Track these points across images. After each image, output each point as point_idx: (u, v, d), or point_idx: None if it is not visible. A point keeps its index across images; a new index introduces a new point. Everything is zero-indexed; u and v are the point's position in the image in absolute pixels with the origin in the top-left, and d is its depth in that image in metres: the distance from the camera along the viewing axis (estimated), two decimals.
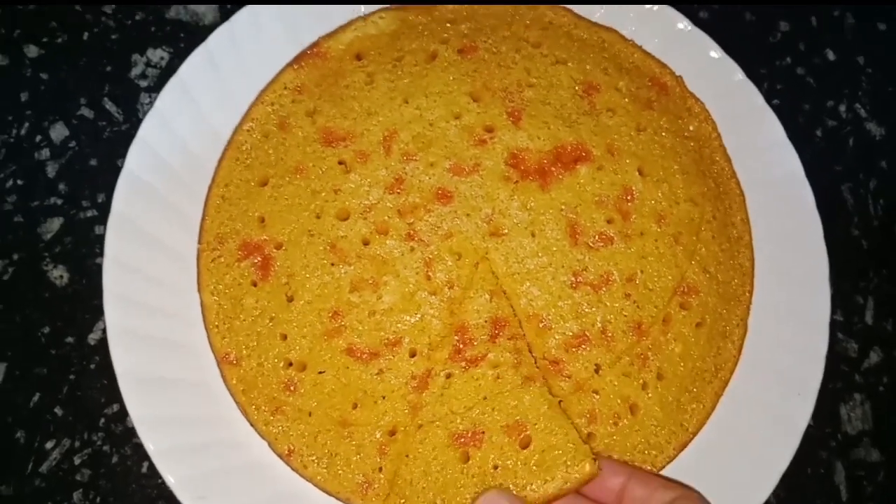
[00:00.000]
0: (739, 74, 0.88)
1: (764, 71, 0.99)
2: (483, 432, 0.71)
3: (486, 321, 0.76)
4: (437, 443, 0.72)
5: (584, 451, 0.69)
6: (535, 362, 0.76)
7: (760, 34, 1.02)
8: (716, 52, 0.88)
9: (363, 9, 0.87)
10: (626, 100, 0.84)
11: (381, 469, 0.74)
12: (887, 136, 1.00)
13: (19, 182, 0.88)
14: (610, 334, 0.78)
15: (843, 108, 1.01)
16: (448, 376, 0.74)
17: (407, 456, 0.73)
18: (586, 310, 0.78)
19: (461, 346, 0.75)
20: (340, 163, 0.80)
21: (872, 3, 1.04)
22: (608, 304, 0.78)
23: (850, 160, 0.98)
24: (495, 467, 0.70)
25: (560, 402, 0.77)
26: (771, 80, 0.98)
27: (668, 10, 0.88)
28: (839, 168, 0.98)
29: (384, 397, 0.75)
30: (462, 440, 0.72)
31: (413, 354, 0.76)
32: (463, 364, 0.74)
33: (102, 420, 0.83)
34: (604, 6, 0.89)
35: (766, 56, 1.00)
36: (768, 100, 0.87)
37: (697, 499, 0.65)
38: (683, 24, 0.88)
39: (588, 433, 0.77)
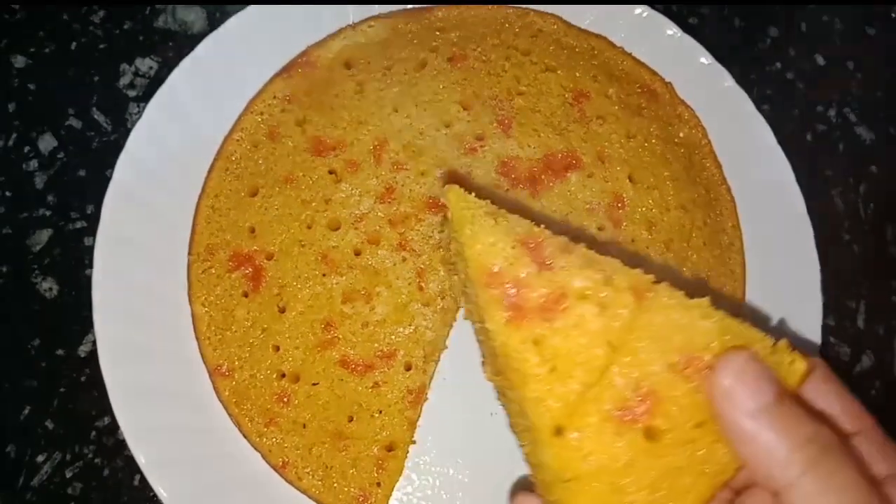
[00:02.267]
0: (729, 80, 0.88)
1: (753, 76, 0.99)
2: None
3: None
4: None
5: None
6: None
7: (749, 40, 1.02)
8: (705, 59, 0.88)
9: (352, 17, 0.86)
10: (616, 107, 0.84)
11: (378, 484, 0.74)
12: (877, 141, 1.00)
13: (7, 193, 0.87)
14: None
15: (832, 112, 1.01)
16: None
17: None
18: None
19: None
20: (331, 172, 0.80)
21: (860, 3, 1.05)
22: None
23: (841, 165, 0.99)
24: None
25: None
26: (760, 86, 0.98)
27: (657, 17, 0.88)
28: (829, 173, 0.98)
29: (381, 411, 0.75)
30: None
31: (408, 368, 0.76)
32: None
33: (93, 433, 0.82)
34: (593, 12, 0.89)
35: (755, 62, 1.00)
36: (758, 105, 0.88)
37: None
38: (673, 30, 0.88)
39: None
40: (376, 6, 0.87)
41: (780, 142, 0.86)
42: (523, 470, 0.79)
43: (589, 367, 0.50)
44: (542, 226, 0.56)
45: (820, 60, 1.03)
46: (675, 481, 0.50)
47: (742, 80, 0.88)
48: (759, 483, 0.49)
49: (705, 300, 0.52)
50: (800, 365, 0.50)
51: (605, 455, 0.50)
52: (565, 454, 0.50)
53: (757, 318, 0.82)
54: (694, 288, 0.56)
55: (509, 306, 0.51)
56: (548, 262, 0.52)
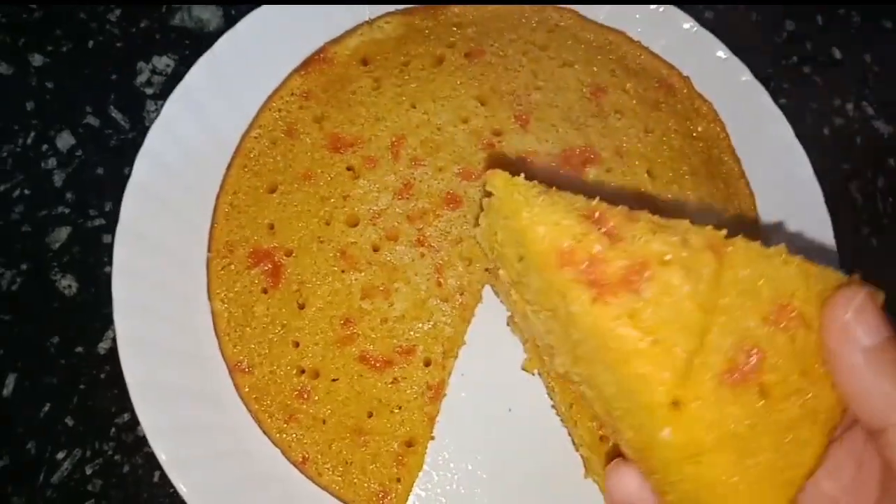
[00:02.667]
0: (746, 75, 0.88)
1: (770, 71, 0.98)
2: None
3: None
4: None
5: None
6: None
7: (766, 34, 1.01)
8: (723, 53, 0.88)
9: (368, 14, 0.86)
10: (634, 101, 0.84)
11: (399, 479, 0.74)
12: (895, 134, 0.99)
13: (26, 192, 0.88)
14: None
15: (850, 106, 1.00)
16: None
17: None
18: None
19: None
20: (349, 169, 0.80)
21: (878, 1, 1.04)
22: None
23: (858, 159, 0.98)
24: None
25: (571, 405, 0.78)
26: (777, 80, 0.98)
27: (673, 11, 0.88)
28: (847, 167, 0.98)
29: (400, 407, 0.75)
30: None
31: (427, 363, 0.76)
32: None
33: (113, 430, 0.82)
34: (608, 7, 0.89)
35: (772, 56, 1.00)
36: (775, 99, 0.87)
37: None
38: (689, 24, 0.88)
39: (601, 435, 0.77)
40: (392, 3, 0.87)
41: (798, 135, 0.86)
42: (542, 466, 0.80)
43: (689, 333, 0.47)
44: (598, 198, 0.52)
45: (837, 54, 1.03)
46: (795, 435, 0.49)
47: (759, 74, 0.88)
48: (863, 421, 0.48)
49: (782, 246, 0.51)
50: (879, 296, 0.49)
51: (727, 421, 0.48)
52: (688, 426, 0.47)
53: None
54: None
55: (590, 284, 0.48)
56: (617, 233, 0.49)
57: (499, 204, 0.55)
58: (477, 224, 0.65)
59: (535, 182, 0.54)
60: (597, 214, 0.50)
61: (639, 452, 0.54)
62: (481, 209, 0.63)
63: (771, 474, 0.48)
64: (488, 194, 0.59)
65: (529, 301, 0.60)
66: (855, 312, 0.47)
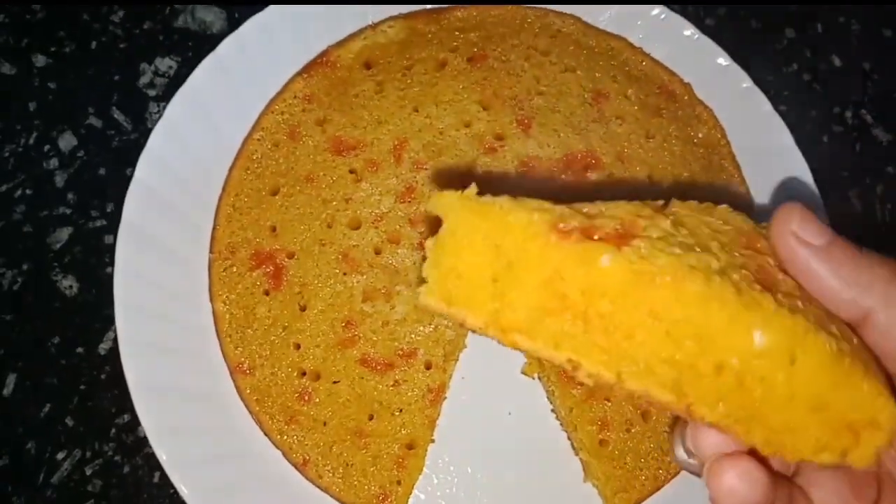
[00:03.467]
0: (747, 81, 0.88)
1: (770, 78, 0.99)
2: None
3: None
4: None
5: None
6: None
7: (767, 41, 1.02)
8: (723, 60, 0.88)
9: (371, 17, 0.87)
10: (636, 107, 0.84)
11: (399, 482, 0.74)
12: (894, 142, 1.00)
13: (28, 192, 0.88)
14: None
15: (849, 114, 1.01)
16: None
17: None
18: None
19: None
20: (351, 172, 0.80)
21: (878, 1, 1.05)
22: None
23: (857, 166, 0.99)
24: None
25: (571, 409, 0.78)
26: (777, 87, 0.98)
27: (675, 18, 0.89)
28: (846, 174, 0.98)
29: (401, 410, 0.75)
30: None
31: (428, 366, 0.76)
32: None
33: (113, 430, 0.82)
34: (610, 13, 0.89)
35: (772, 63, 1.01)
36: (775, 106, 0.88)
37: None
38: (690, 31, 0.89)
39: (600, 440, 0.78)
40: (395, 6, 0.87)
41: (797, 142, 0.87)
42: (542, 470, 0.80)
43: (710, 253, 0.46)
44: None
45: (836, 62, 1.03)
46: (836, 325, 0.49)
47: (759, 81, 0.88)
48: (843, 317, 0.49)
49: (709, 203, 0.52)
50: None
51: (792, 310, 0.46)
52: (773, 321, 0.44)
53: None
54: None
55: (605, 239, 0.45)
56: (588, 212, 0.48)
57: (455, 225, 0.48)
58: (421, 282, 0.50)
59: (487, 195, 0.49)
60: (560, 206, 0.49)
61: (726, 404, 0.47)
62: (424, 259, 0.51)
63: (858, 356, 0.47)
64: (432, 233, 0.51)
65: (520, 326, 0.48)
66: (799, 222, 0.49)
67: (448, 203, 0.48)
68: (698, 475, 0.53)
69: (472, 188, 0.48)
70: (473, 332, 0.48)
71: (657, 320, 0.44)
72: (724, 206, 0.53)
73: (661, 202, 0.51)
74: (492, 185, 0.51)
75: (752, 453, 0.48)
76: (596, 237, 0.45)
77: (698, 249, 0.46)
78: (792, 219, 0.49)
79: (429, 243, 0.49)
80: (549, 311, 0.46)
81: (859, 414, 0.45)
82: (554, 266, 0.45)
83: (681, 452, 0.55)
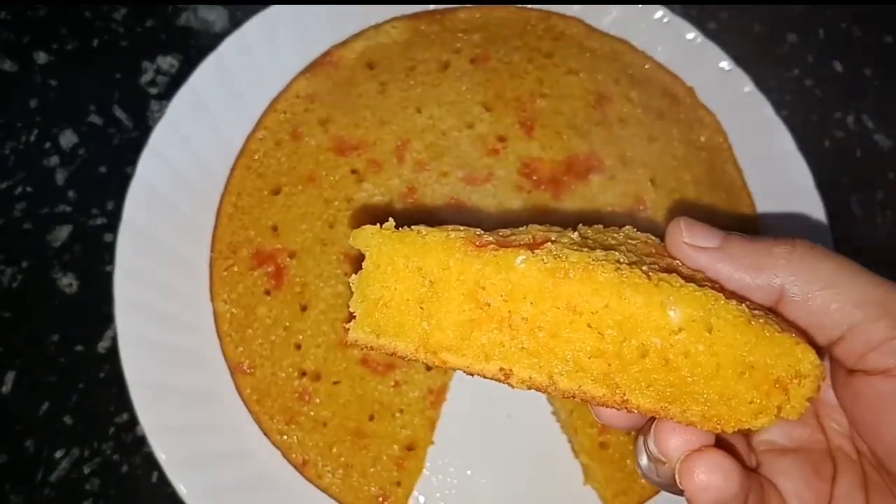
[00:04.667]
0: (749, 86, 0.89)
1: (772, 82, 0.99)
2: None
3: None
4: None
5: None
6: None
7: (769, 46, 1.02)
8: (726, 64, 0.89)
9: (374, 18, 0.87)
10: (638, 110, 0.84)
11: (398, 483, 0.74)
12: (894, 148, 1.00)
13: (28, 189, 0.87)
14: None
15: (850, 119, 1.01)
16: None
17: None
18: None
19: None
20: (353, 172, 0.80)
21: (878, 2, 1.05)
22: None
23: (858, 171, 0.99)
24: None
25: (572, 412, 0.78)
26: (779, 92, 0.99)
27: (677, 21, 0.89)
28: (847, 179, 0.98)
29: (402, 411, 0.75)
30: None
31: (429, 368, 0.76)
32: None
33: (112, 429, 0.82)
34: (613, 16, 0.89)
35: (774, 68, 1.01)
36: (777, 111, 0.88)
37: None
38: (693, 35, 0.89)
39: (600, 442, 0.77)
40: (399, 7, 0.87)
41: (799, 147, 0.87)
42: (542, 472, 0.80)
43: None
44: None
45: (838, 67, 1.03)
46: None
47: (760, 85, 0.89)
48: (772, 306, 0.51)
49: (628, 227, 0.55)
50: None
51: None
52: (687, 295, 0.47)
53: None
54: None
55: (516, 246, 0.48)
56: (500, 234, 0.51)
57: (377, 256, 0.50)
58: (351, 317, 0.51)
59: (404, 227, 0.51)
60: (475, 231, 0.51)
61: (657, 388, 0.48)
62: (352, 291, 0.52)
63: (768, 319, 0.48)
64: (356, 269, 0.52)
65: (449, 345, 0.49)
66: (687, 232, 0.52)
67: (368, 236, 0.50)
68: (662, 486, 0.54)
69: (390, 222, 0.50)
70: (404, 359, 0.50)
71: (577, 314, 0.46)
72: (629, 227, 0.55)
73: (570, 229, 0.53)
74: (412, 220, 0.53)
75: (720, 446, 0.49)
76: (511, 245, 0.48)
77: (604, 251, 0.48)
78: (679, 231, 0.52)
79: (353, 279, 0.51)
80: (475, 322, 0.48)
81: (783, 369, 0.46)
82: (474, 276, 0.47)
83: (644, 461, 0.54)
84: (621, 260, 0.47)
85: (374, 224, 0.50)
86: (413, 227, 0.50)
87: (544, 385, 0.47)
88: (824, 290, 0.49)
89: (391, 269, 0.49)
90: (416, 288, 0.48)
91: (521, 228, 0.52)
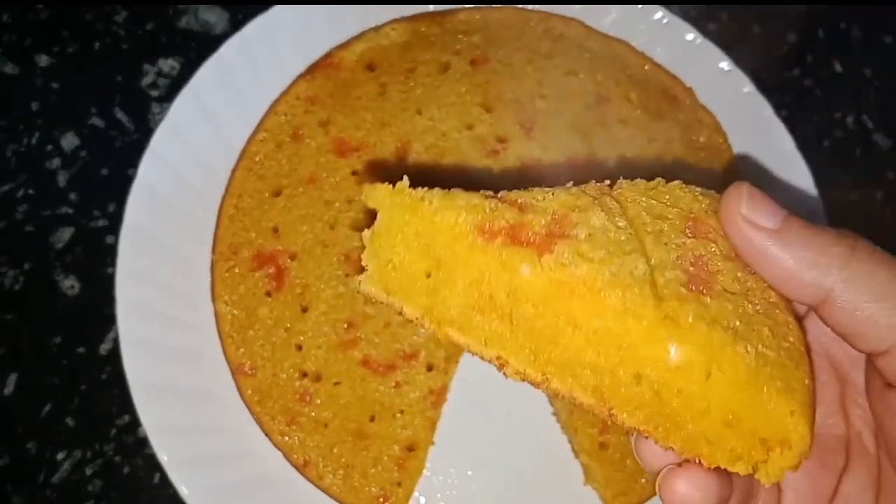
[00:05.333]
0: (748, 86, 0.89)
1: (771, 83, 0.99)
2: None
3: None
4: None
5: None
6: None
7: (768, 46, 1.02)
8: (725, 64, 0.89)
9: (374, 19, 0.87)
10: (638, 111, 0.85)
11: (399, 484, 0.74)
12: (894, 148, 1.00)
13: (30, 191, 0.88)
14: None
15: (850, 119, 1.01)
16: None
17: None
18: None
19: None
20: (353, 173, 0.80)
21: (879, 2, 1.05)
22: None
23: (858, 171, 0.99)
24: None
25: (572, 412, 0.78)
26: (778, 92, 0.99)
27: (677, 22, 0.89)
28: (847, 179, 0.98)
29: (402, 411, 0.75)
30: None
31: (430, 368, 0.76)
32: None
33: (114, 431, 0.82)
34: (613, 17, 0.89)
35: (774, 68, 1.01)
36: (776, 111, 0.88)
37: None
38: (693, 35, 0.89)
39: (601, 443, 0.78)
40: (398, 8, 0.87)
41: (798, 148, 0.87)
42: (542, 473, 0.80)
43: (637, 255, 0.45)
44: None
45: (837, 67, 1.04)
46: (776, 320, 0.48)
47: (760, 85, 0.89)
48: (800, 301, 0.48)
49: (660, 179, 0.51)
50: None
51: (722, 318, 0.45)
52: (689, 336, 0.44)
53: None
54: None
55: (527, 244, 0.46)
56: (521, 203, 0.48)
57: (388, 220, 0.49)
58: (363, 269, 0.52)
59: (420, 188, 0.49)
60: (494, 193, 0.48)
61: (645, 411, 0.47)
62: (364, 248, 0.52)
63: (779, 369, 0.46)
64: (368, 224, 0.52)
65: (452, 321, 0.49)
66: (748, 203, 0.46)
67: (380, 197, 0.49)
68: None
69: (405, 181, 0.48)
70: (411, 321, 0.49)
71: (577, 328, 0.45)
72: (677, 182, 0.51)
73: (607, 182, 0.50)
74: (426, 175, 0.50)
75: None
76: (522, 239, 0.46)
77: (628, 248, 0.46)
78: (740, 201, 0.46)
79: (366, 234, 0.50)
80: (478, 309, 0.47)
81: (772, 432, 0.45)
82: (479, 269, 0.46)
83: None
84: (637, 270, 0.44)
85: (387, 183, 0.48)
86: (426, 193, 0.47)
87: (537, 381, 0.46)
88: (876, 302, 0.45)
89: (401, 238, 0.48)
90: (424, 261, 0.47)
91: (547, 191, 0.48)
